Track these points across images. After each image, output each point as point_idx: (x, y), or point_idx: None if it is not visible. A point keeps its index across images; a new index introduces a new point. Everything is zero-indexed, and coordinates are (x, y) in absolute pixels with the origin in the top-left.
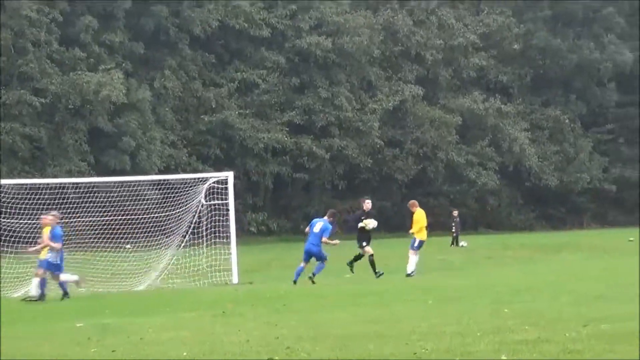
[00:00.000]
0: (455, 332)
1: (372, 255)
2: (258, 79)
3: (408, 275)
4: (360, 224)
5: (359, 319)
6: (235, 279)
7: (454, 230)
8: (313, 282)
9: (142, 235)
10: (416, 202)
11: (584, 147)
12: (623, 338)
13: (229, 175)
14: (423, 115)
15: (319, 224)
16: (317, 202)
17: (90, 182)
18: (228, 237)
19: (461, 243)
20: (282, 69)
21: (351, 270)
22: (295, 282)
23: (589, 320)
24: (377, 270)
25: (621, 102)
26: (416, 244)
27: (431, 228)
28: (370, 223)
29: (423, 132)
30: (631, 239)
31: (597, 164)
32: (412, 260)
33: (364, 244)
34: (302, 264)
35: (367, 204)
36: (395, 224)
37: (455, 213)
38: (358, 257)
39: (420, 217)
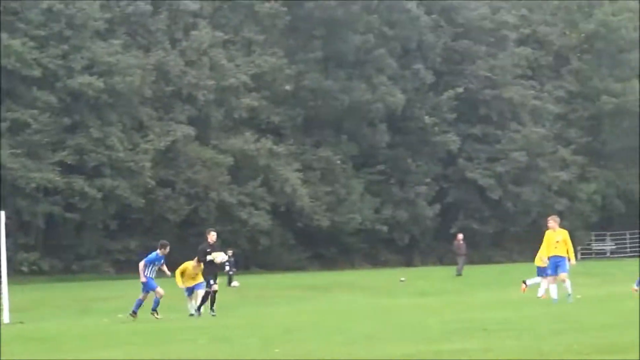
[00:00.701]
0: None
1: (215, 291)
2: (30, 119)
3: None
4: (209, 257)
5: (130, 358)
6: (6, 319)
7: (228, 269)
8: (156, 316)
9: None
10: None
11: (355, 187)
12: None
13: (1, 215)
14: (195, 155)
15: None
16: (88, 242)
17: None
18: None
19: (233, 283)
20: (53, 109)
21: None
22: (134, 312)
23: None
24: (213, 308)
25: (392, 143)
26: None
27: None
28: (219, 256)
29: (195, 172)
30: (402, 278)
31: (369, 205)
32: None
33: (212, 281)
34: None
35: (212, 236)
36: (168, 263)
37: (230, 252)
38: (207, 297)
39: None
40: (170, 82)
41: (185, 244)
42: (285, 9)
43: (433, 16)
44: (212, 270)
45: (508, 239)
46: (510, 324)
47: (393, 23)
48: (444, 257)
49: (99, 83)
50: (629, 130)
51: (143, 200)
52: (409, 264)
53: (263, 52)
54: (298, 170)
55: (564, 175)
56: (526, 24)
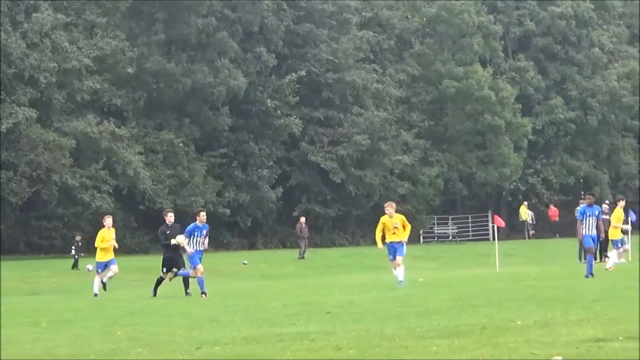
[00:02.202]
0: (68, 354)
1: (169, 278)
2: None
3: None
4: (173, 241)
5: None
6: None
7: (74, 253)
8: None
9: None
10: None
11: (197, 170)
12: None
13: None
14: (37, 138)
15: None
16: None
17: None
18: None
19: (87, 266)
20: None
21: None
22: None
23: (201, 343)
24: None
25: (234, 126)
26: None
27: (43, 252)
28: (181, 240)
29: (37, 155)
30: (245, 262)
31: (211, 188)
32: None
33: (164, 269)
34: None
35: (170, 217)
36: (11, 247)
37: (78, 238)
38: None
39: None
40: (12, 64)
41: (27, 227)
42: None
43: None
44: (169, 256)
45: (351, 222)
46: (353, 307)
47: (235, 6)
48: (286, 240)
49: None
50: (470, 114)
51: None
52: (251, 247)
53: (105, 34)
54: (140, 153)
55: (406, 159)
56: (368, 8)
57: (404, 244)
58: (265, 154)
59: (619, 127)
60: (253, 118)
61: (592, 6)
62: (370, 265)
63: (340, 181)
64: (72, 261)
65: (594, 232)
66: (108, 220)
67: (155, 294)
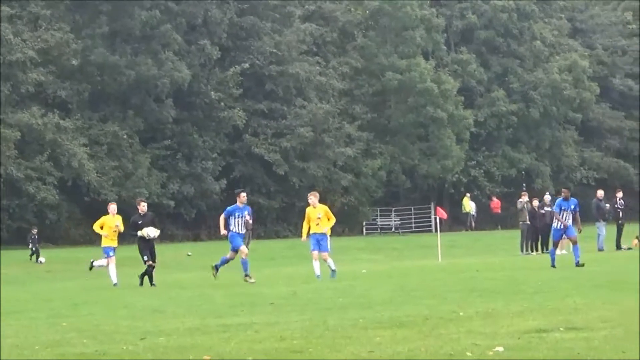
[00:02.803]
0: (13, 345)
1: (150, 266)
2: None
3: None
4: (140, 233)
5: None
6: None
7: (31, 246)
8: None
9: None
10: None
11: (142, 162)
12: (181, 351)
13: None
14: None
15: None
16: None
17: None
18: None
19: (40, 259)
20: None
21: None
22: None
23: (145, 334)
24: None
25: (178, 119)
26: None
27: None
28: (151, 232)
29: None
30: (189, 253)
31: (156, 179)
32: None
33: (145, 258)
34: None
35: (143, 207)
36: None
37: (35, 230)
38: (145, 274)
39: None
40: None
41: None
42: None
43: None
44: (145, 245)
45: (294, 214)
46: (297, 298)
47: None
48: None
49: None
50: (413, 106)
51: None
52: (196, 238)
53: (49, 27)
54: (85, 145)
55: (349, 151)
56: (311, 1)
57: (328, 237)
58: (209, 146)
59: (560, 119)
60: (197, 110)
61: None
62: None
63: (283, 173)
64: (28, 252)
65: (569, 222)
66: (112, 207)
67: (151, 284)
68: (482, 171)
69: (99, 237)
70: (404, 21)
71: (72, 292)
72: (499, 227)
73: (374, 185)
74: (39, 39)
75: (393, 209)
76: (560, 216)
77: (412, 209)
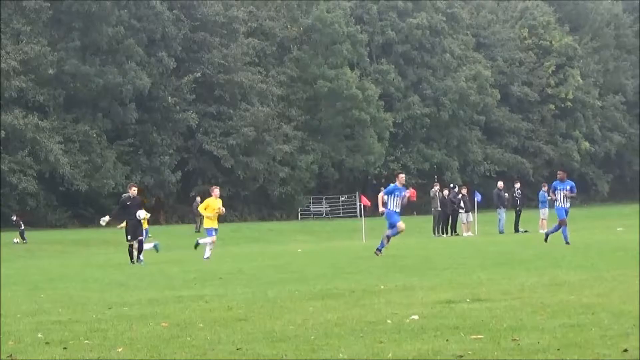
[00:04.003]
0: None
1: (131, 245)
2: None
3: None
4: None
5: None
6: None
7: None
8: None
9: None
10: None
11: (109, 157)
12: (142, 319)
13: None
14: None
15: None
16: None
17: None
18: None
19: (15, 239)
20: None
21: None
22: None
23: (112, 304)
24: (134, 259)
25: (140, 120)
26: None
27: None
28: (142, 213)
29: None
30: (149, 235)
31: (121, 172)
32: None
33: (129, 237)
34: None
35: (133, 191)
36: None
37: (14, 217)
38: (135, 250)
39: None
40: None
41: None
42: (48, 4)
43: (174, 11)
44: (131, 225)
45: (239, 201)
46: (242, 274)
47: (140, 17)
48: (184, 216)
49: None
50: (340, 110)
51: None
52: (154, 222)
53: (29, 41)
54: (60, 142)
55: (286, 148)
56: (254, 19)
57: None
58: (166, 143)
59: (466, 121)
60: (156, 113)
61: (444, 18)
62: (256, 238)
63: (230, 166)
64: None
65: (567, 204)
66: (216, 191)
67: (132, 262)
68: (400, 165)
69: (72, 220)
70: (332, 37)
71: (49, 269)
72: (415, 213)
73: (308, 177)
74: (20, 51)
75: (324, 197)
76: (558, 196)
77: (340, 197)
